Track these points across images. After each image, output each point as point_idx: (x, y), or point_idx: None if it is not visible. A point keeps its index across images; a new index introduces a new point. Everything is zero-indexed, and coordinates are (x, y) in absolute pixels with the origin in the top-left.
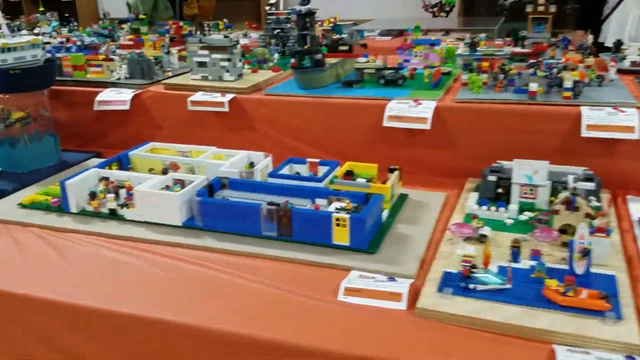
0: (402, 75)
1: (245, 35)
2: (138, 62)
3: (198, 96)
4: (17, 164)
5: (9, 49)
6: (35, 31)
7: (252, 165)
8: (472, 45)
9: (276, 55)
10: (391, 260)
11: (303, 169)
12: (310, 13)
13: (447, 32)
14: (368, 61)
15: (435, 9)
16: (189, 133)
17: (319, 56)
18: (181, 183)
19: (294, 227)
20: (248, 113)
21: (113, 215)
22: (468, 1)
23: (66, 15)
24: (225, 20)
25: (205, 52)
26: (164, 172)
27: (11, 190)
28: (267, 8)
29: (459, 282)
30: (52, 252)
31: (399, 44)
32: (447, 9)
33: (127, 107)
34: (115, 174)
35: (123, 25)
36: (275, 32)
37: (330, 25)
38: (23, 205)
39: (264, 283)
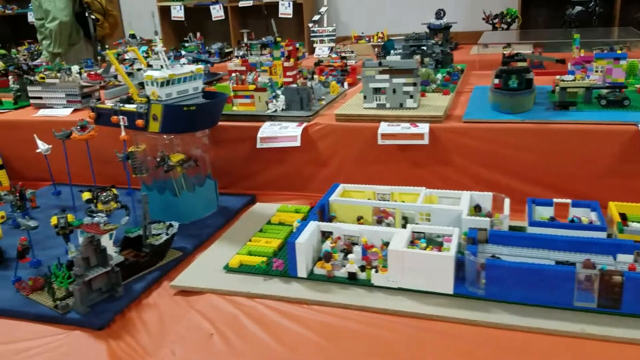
0: (626, 95)
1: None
2: (297, 92)
3: (385, 128)
4: (180, 214)
5: (173, 82)
6: (127, 56)
7: (477, 209)
8: None
9: (439, 76)
10: None
11: (547, 212)
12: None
13: (508, 44)
14: (575, 79)
15: (496, 21)
16: (367, 169)
17: (530, 75)
18: (421, 236)
19: (626, 296)
20: (443, 144)
21: (353, 279)
22: (525, 13)
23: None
24: (263, 39)
25: (385, 76)
26: (379, 220)
27: (191, 249)
28: (309, 25)
29: None
30: (294, 327)
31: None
32: (509, 20)
33: (297, 143)
34: (342, 228)
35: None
36: (412, 49)
37: (379, 40)
38: (231, 269)
39: None
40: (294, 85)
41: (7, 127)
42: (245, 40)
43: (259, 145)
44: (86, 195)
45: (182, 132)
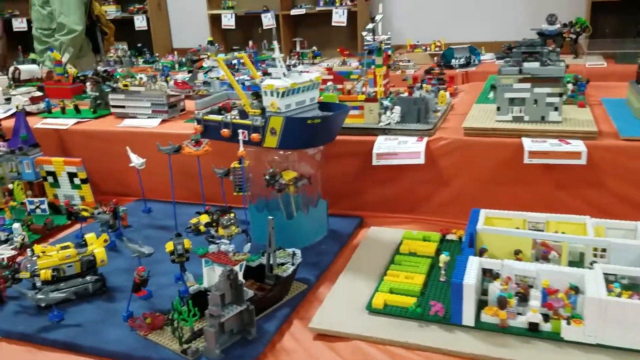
0: None
1: (344, 63)
2: (414, 102)
3: (529, 144)
4: (294, 238)
5: (293, 91)
6: (206, 64)
7: None
8: None
9: (570, 86)
10: None
11: None
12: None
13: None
14: None
15: (565, 30)
16: (499, 191)
17: None
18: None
19: None
20: (597, 164)
21: (534, 331)
22: (594, 20)
23: (139, 45)
24: (314, 48)
25: (526, 85)
26: (543, 257)
27: (314, 281)
28: (363, 34)
29: None
30: None
31: None
32: (578, 29)
33: (421, 160)
34: (513, 266)
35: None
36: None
37: (437, 48)
38: (374, 310)
39: None
40: (404, 95)
41: (88, 137)
42: (298, 49)
43: (375, 162)
44: (205, 219)
45: (301, 147)
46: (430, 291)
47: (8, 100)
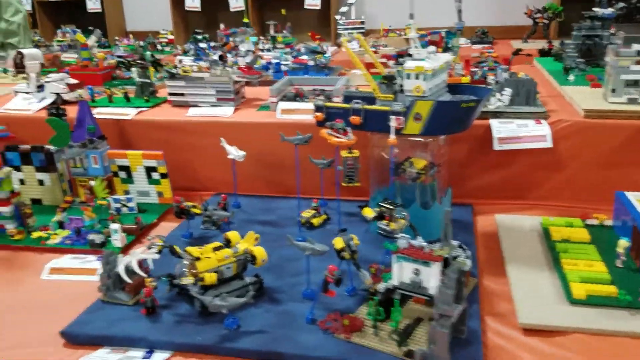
0: None
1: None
2: (523, 84)
3: None
4: (430, 229)
5: (434, 74)
6: (243, 47)
7: None
8: None
9: None
10: None
11: None
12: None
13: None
14: None
15: (538, 16)
16: (619, 175)
17: None
18: None
19: None
20: None
21: None
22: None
23: (90, 28)
24: (284, 32)
25: None
26: None
27: (476, 274)
28: (337, 17)
29: None
30: None
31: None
32: (551, 15)
33: (548, 144)
34: None
35: None
36: (583, 39)
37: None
38: (577, 301)
39: None
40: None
41: (150, 127)
42: (272, 32)
43: (497, 147)
44: (368, 212)
45: (447, 133)
46: (616, 277)
47: (41, 87)
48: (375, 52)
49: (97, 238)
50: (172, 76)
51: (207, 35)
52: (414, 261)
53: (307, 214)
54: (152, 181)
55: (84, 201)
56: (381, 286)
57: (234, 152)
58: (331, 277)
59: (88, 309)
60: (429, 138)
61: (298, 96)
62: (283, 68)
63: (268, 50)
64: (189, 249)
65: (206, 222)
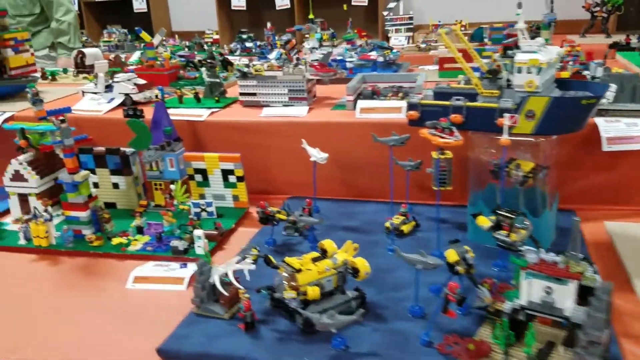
0: None
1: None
2: (627, 79)
3: None
4: (540, 239)
5: (545, 69)
6: (308, 45)
7: None
8: None
9: None
10: None
11: None
12: None
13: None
14: None
15: (597, 9)
16: None
17: None
18: None
19: None
20: None
21: None
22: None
23: (136, 28)
24: (330, 29)
25: None
26: None
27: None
28: (384, 13)
29: None
30: None
31: None
32: (610, 8)
33: None
34: None
35: None
36: None
37: (462, 28)
38: None
39: None
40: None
41: (223, 128)
42: (319, 30)
43: (606, 148)
44: (483, 221)
45: (561, 132)
46: None
47: (109, 88)
48: (429, 48)
49: (180, 245)
50: (244, 75)
51: (252, 35)
52: (546, 278)
53: (395, 220)
54: (228, 184)
55: (163, 205)
56: (507, 306)
57: (316, 155)
58: (453, 296)
59: (183, 323)
60: (540, 138)
61: (375, 94)
62: (348, 65)
63: (315, 48)
64: (289, 259)
65: (288, 229)
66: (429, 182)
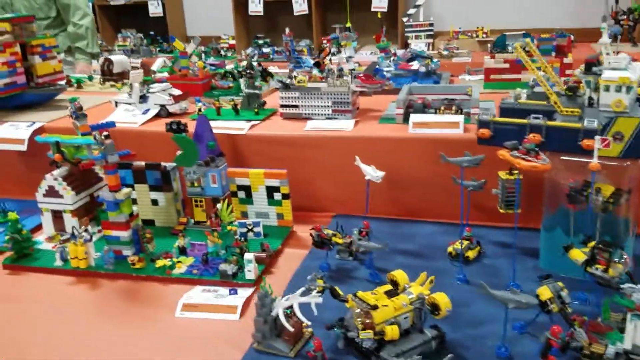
0: None
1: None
2: None
3: None
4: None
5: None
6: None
7: None
8: None
9: None
10: None
11: None
12: None
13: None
14: None
15: (624, 17)
16: None
17: None
18: None
19: None
20: None
21: None
22: None
23: (151, 33)
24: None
25: None
26: None
27: None
28: (404, 19)
29: None
30: None
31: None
32: (637, 16)
33: None
34: None
35: None
36: None
37: (484, 35)
38: None
39: None
40: None
41: (264, 142)
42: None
43: None
44: (577, 255)
45: None
46: None
47: (143, 98)
48: (452, 55)
49: (229, 269)
50: (286, 87)
51: (268, 40)
52: None
53: (459, 245)
54: (272, 202)
55: (205, 222)
56: (610, 351)
57: (372, 173)
58: (556, 341)
59: None
60: (627, 161)
61: (425, 107)
62: (386, 75)
63: (332, 54)
64: (362, 294)
65: (342, 252)
66: (488, 202)
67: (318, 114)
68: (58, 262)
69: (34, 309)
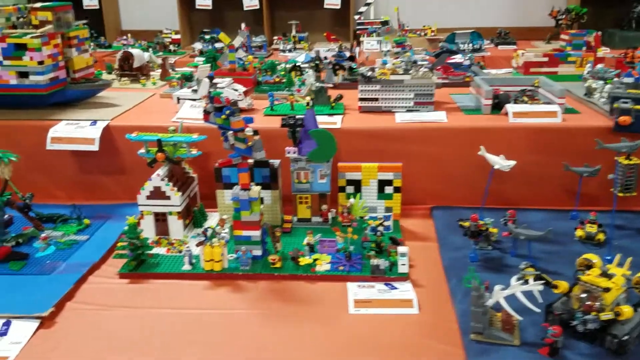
0: None
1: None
2: None
3: None
4: None
5: None
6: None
7: None
8: None
9: None
10: None
11: None
12: None
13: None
14: None
15: (563, 17)
16: None
17: None
18: None
19: None
20: None
21: None
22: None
23: (215, 29)
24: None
25: None
26: None
27: None
28: (355, 17)
29: None
30: None
31: None
32: (574, 16)
33: None
34: None
35: None
36: None
37: (432, 34)
38: None
39: None
40: None
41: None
42: (294, 32)
43: None
44: None
45: None
46: None
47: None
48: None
49: (382, 263)
50: (368, 80)
51: (215, 35)
52: None
53: (590, 228)
54: (382, 196)
55: (343, 221)
56: None
57: (500, 162)
58: None
59: (470, 353)
60: None
61: (508, 97)
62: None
63: (289, 50)
64: (593, 278)
65: (482, 242)
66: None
67: (398, 107)
68: (187, 267)
69: (197, 317)
